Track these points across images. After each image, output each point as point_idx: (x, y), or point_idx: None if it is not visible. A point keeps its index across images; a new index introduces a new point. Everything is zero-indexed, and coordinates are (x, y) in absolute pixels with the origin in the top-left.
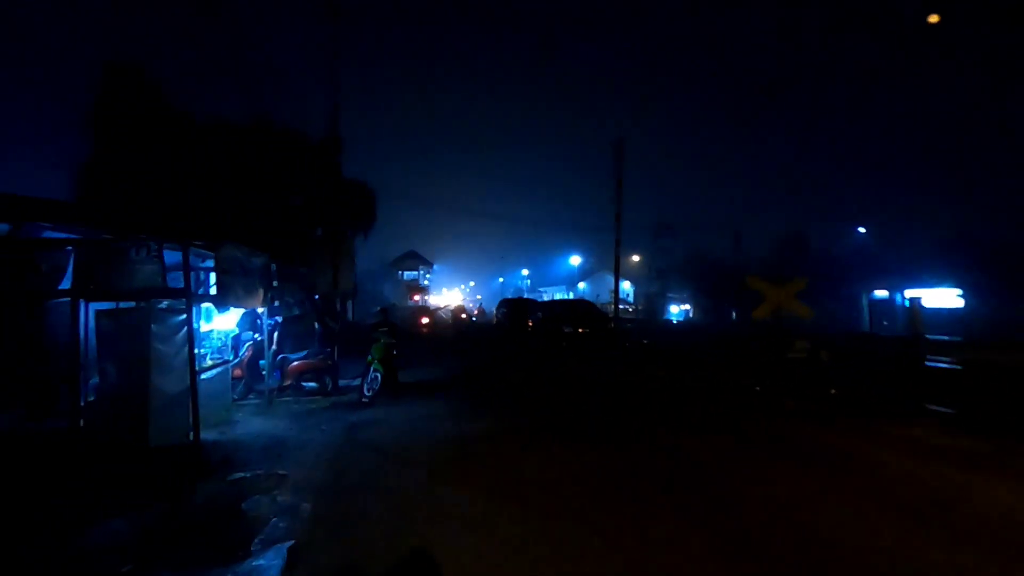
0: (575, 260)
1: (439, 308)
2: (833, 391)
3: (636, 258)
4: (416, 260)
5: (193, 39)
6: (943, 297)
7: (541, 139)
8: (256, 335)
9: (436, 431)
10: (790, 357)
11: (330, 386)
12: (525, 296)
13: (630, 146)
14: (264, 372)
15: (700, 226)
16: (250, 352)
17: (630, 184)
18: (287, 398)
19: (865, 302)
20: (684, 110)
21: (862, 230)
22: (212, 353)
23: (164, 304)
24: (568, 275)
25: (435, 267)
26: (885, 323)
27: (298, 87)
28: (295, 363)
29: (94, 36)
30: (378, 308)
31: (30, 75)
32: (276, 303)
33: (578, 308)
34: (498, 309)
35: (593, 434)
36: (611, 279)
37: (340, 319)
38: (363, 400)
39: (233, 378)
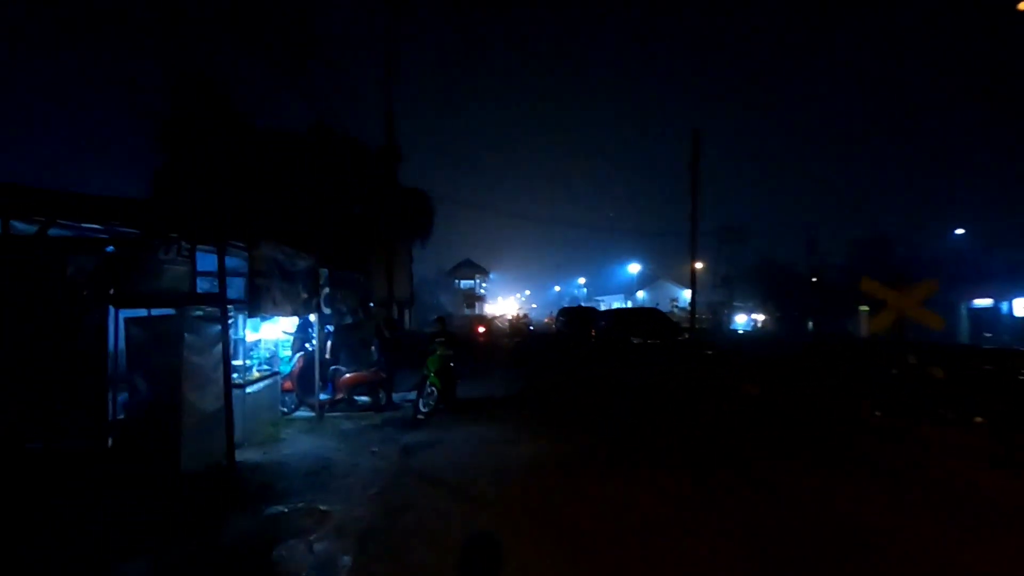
0: (634, 268)
1: (496, 317)
2: (979, 419)
3: (699, 265)
4: (472, 269)
5: (258, 49)
6: None
7: (601, 143)
8: (308, 345)
9: (501, 458)
10: (895, 374)
11: (383, 400)
12: (582, 305)
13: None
14: (317, 385)
15: (768, 231)
16: (300, 363)
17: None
18: (338, 413)
19: (964, 311)
20: (751, 112)
21: (960, 231)
22: (260, 364)
23: (200, 312)
24: (626, 284)
25: (491, 276)
26: (988, 335)
27: (357, 97)
28: (347, 376)
29: (166, 48)
30: (435, 317)
31: (106, 87)
32: (327, 311)
33: (647, 317)
34: (558, 318)
35: (683, 462)
36: (672, 287)
37: (397, 328)
38: (418, 417)
39: (283, 391)
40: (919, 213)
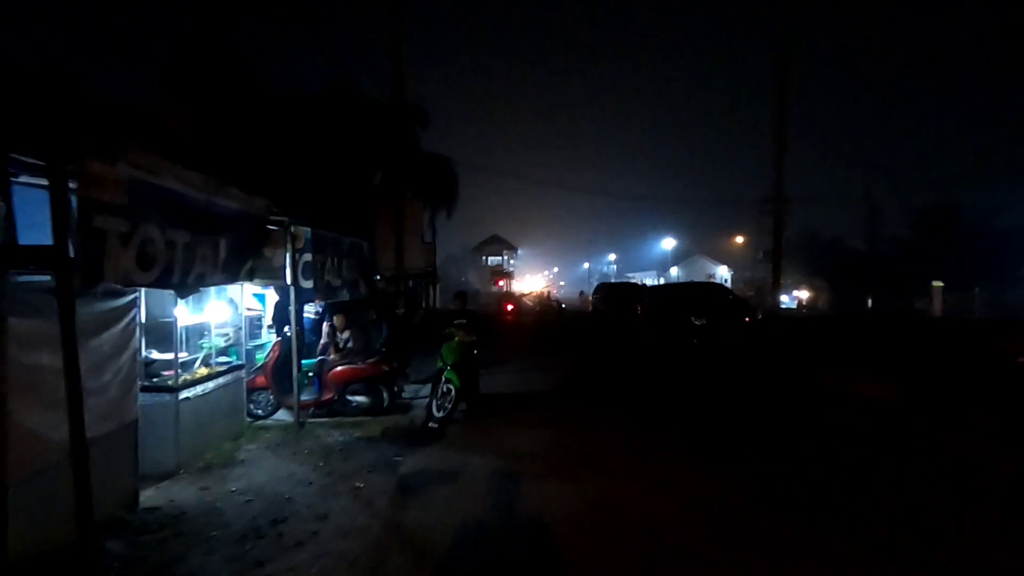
0: (668, 243)
1: (524, 295)
2: None
3: (740, 239)
4: (500, 245)
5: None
6: None
7: (636, 106)
8: (287, 329)
9: (550, 502)
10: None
11: (387, 401)
12: (626, 280)
13: (730, 116)
14: (296, 380)
15: (818, 200)
16: (276, 352)
17: (735, 157)
18: (325, 418)
19: None
20: (799, 72)
21: None
22: (210, 357)
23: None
24: (659, 260)
25: (519, 252)
26: None
27: (374, 54)
28: (338, 368)
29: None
30: (454, 293)
31: (111, 47)
32: (307, 283)
33: (708, 293)
34: (595, 295)
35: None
36: (707, 264)
37: (415, 306)
38: (430, 425)
39: (254, 388)
40: (1008, 181)
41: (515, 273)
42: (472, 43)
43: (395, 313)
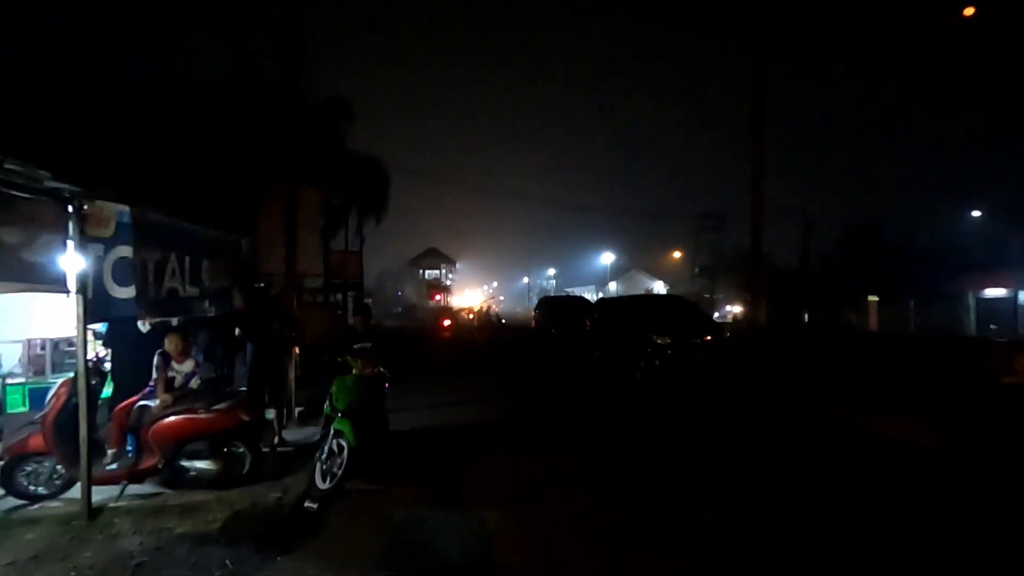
0: (607, 258)
1: (462, 310)
2: None
3: (677, 254)
4: (437, 258)
5: None
6: None
7: (571, 115)
8: (102, 355)
9: None
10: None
11: (247, 465)
12: (570, 294)
13: (663, 131)
14: (82, 441)
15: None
16: (62, 399)
17: (673, 171)
18: (141, 499)
19: (972, 302)
20: (726, 87)
21: (976, 214)
22: None
23: None
24: (598, 275)
25: (458, 266)
26: (993, 327)
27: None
28: (166, 420)
29: None
30: (354, 307)
31: None
32: (123, 292)
33: (668, 307)
34: (537, 310)
35: None
36: (644, 279)
37: (294, 322)
38: (307, 505)
39: (27, 452)
40: (933, 196)
41: (453, 287)
42: (417, 46)
43: (269, 330)
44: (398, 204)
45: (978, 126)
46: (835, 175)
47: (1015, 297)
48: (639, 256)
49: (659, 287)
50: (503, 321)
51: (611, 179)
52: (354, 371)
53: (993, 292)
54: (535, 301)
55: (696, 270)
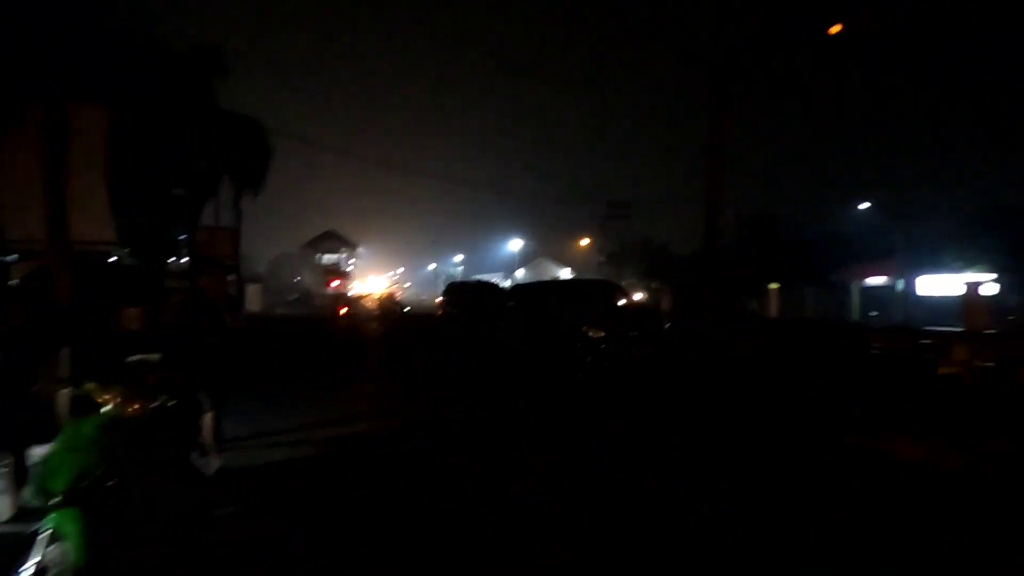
0: (515, 244)
1: (363, 297)
2: None
3: (585, 241)
4: (336, 241)
5: None
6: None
7: (481, 96)
8: None
9: None
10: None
11: None
12: (481, 279)
13: (578, 117)
14: None
15: (658, 207)
16: None
17: (582, 157)
18: None
19: (856, 290)
20: (643, 69)
21: (865, 206)
22: None
23: None
24: (506, 262)
25: (360, 250)
26: (874, 313)
27: None
28: None
29: None
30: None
31: None
32: None
33: (598, 294)
34: (445, 296)
35: None
36: (551, 266)
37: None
38: None
39: None
40: (828, 188)
41: (355, 273)
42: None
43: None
44: (298, 182)
45: (869, 123)
46: (736, 166)
47: (894, 285)
48: (547, 243)
49: (566, 274)
50: (407, 309)
51: (520, 163)
52: (105, 409)
53: (875, 280)
54: (443, 288)
55: (602, 258)
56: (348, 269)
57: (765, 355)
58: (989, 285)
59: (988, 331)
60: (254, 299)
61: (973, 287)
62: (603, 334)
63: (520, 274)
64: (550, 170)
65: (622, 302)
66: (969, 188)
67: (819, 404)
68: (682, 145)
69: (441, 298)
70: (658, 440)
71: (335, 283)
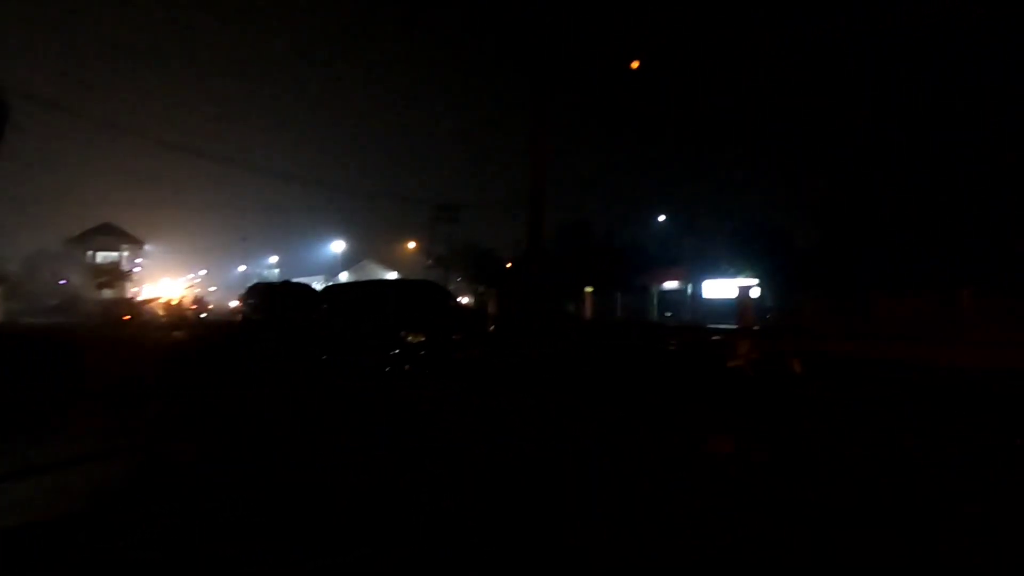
0: (338, 246)
1: (151, 301)
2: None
3: (412, 244)
4: (115, 237)
5: None
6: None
7: (305, 83)
8: None
9: None
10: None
11: None
12: (289, 280)
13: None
14: None
15: (485, 212)
16: None
17: (407, 156)
18: None
19: (655, 293)
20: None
21: (662, 218)
22: None
23: None
24: (328, 264)
25: (147, 248)
26: (668, 314)
27: None
28: None
29: None
30: None
31: None
32: None
33: (417, 295)
34: (246, 299)
35: None
36: (377, 269)
37: None
38: None
39: None
40: (633, 199)
41: (138, 274)
42: None
43: None
44: (56, 163)
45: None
46: (555, 174)
47: (685, 289)
48: (371, 246)
49: (392, 277)
50: (203, 315)
51: (342, 157)
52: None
53: (669, 285)
54: (244, 290)
55: (430, 261)
56: (134, 269)
57: (589, 353)
58: (755, 288)
59: (755, 328)
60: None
61: (744, 290)
62: (423, 338)
63: (344, 277)
64: (374, 168)
65: (445, 304)
66: (741, 205)
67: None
68: (509, 149)
69: (242, 300)
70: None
71: (108, 287)
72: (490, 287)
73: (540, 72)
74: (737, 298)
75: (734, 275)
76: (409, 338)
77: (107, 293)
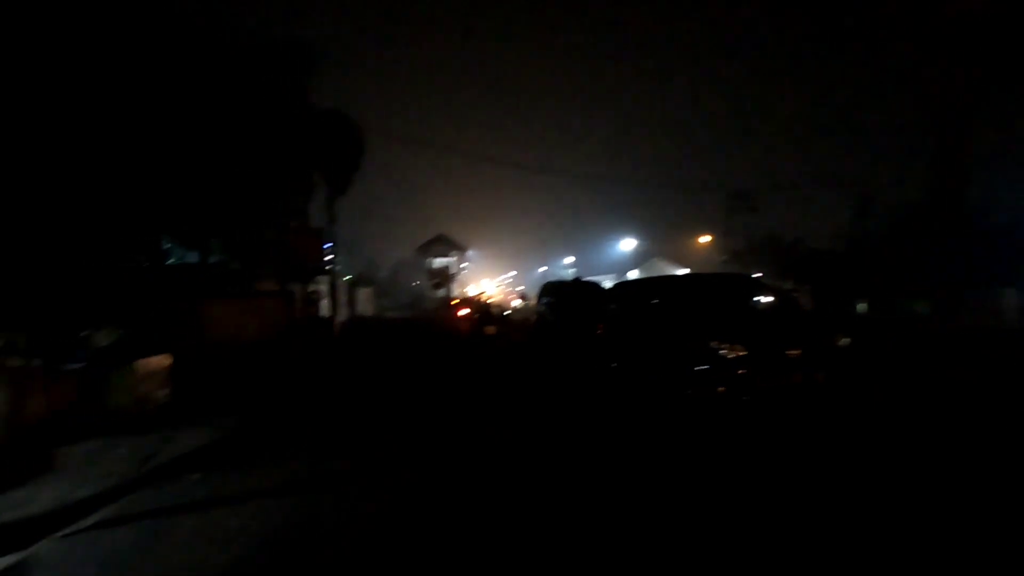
0: (627, 244)
1: (456, 299)
2: None
3: (706, 238)
4: (446, 245)
5: None
6: None
7: (595, 86)
8: None
9: None
10: None
11: None
12: (580, 279)
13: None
14: None
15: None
16: None
17: (698, 145)
18: None
19: None
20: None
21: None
22: None
23: None
24: (619, 262)
25: (470, 253)
26: None
27: None
28: None
29: None
30: None
31: None
32: None
33: (730, 293)
34: (540, 299)
35: None
36: (668, 267)
37: None
38: None
39: None
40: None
41: (464, 277)
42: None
43: None
44: (410, 188)
45: None
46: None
47: None
48: (662, 242)
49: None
50: (505, 313)
51: (635, 153)
52: None
53: None
54: (540, 289)
55: (725, 256)
56: (461, 271)
57: None
58: None
59: None
60: (366, 302)
61: None
62: (744, 352)
63: (633, 276)
64: (664, 160)
65: (765, 303)
66: None
67: None
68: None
69: (536, 301)
70: None
71: (441, 287)
72: (800, 283)
73: None
74: None
75: None
76: (722, 351)
77: (440, 292)
